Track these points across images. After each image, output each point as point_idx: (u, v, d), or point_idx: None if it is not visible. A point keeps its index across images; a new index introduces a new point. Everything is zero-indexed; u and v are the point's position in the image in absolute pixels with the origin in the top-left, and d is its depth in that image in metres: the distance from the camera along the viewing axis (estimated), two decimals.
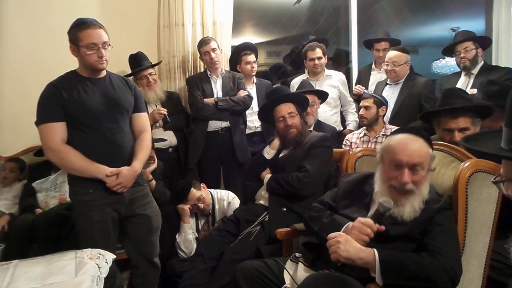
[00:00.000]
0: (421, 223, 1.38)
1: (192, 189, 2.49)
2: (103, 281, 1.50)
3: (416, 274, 1.26)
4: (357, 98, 3.33)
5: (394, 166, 1.41)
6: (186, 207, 2.49)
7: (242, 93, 2.98)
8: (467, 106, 1.93)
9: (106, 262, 1.59)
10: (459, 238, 1.42)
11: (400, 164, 1.40)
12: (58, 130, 1.77)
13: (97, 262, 1.54)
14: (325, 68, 3.28)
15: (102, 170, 1.79)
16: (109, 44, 1.83)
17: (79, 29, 1.77)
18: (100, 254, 1.61)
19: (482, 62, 2.96)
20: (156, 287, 2.13)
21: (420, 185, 1.40)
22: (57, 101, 1.76)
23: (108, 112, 1.83)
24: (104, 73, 1.91)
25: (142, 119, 2.00)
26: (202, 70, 3.20)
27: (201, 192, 2.52)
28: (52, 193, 2.69)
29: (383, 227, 1.36)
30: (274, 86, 2.93)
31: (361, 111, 2.79)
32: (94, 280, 1.42)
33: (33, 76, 2.92)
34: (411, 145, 1.41)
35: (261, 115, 2.46)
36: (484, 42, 3.02)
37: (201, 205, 2.49)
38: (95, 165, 1.79)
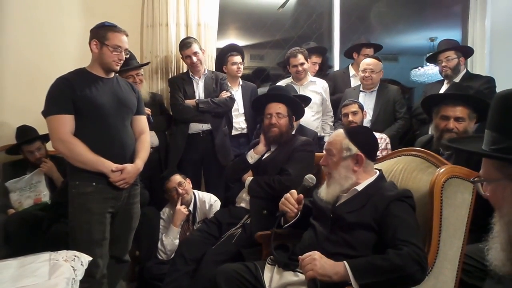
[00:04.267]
0: (374, 209, 1.46)
1: (177, 174, 2.58)
2: (78, 283, 1.46)
3: (386, 267, 1.30)
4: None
5: None
6: (185, 210, 2.49)
7: (224, 94, 2.97)
8: (467, 95, 2.05)
9: (81, 265, 1.55)
10: (417, 226, 1.45)
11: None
12: (68, 122, 1.85)
13: (72, 264, 1.49)
14: (309, 74, 3.31)
15: (108, 165, 1.87)
16: (130, 52, 2.03)
17: (110, 30, 1.93)
18: (75, 256, 1.57)
19: (465, 71, 3.03)
20: (121, 282, 2.19)
21: (333, 169, 1.60)
22: (69, 94, 1.84)
23: (115, 110, 1.94)
24: (112, 74, 2.03)
25: (142, 122, 2.13)
26: (185, 71, 3.19)
27: (184, 181, 2.57)
28: (27, 193, 2.61)
29: (301, 196, 1.69)
30: (276, 85, 2.97)
31: (350, 117, 2.82)
32: (69, 282, 1.38)
33: (9, 73, 2.86)
34: (331, 136, 1.70)
35: (254, 104, 2.50)
36: (466, 51, 3.11)
37: (181, 190, 2.52)
38: (101, 159, 1.87)
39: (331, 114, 3.37)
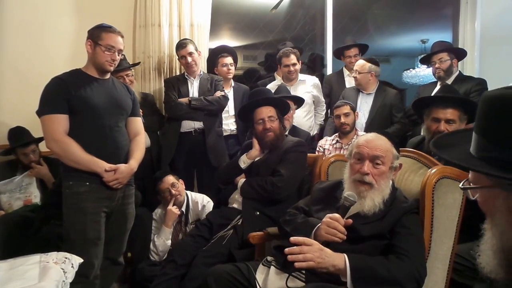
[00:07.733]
0: (390, 222, 1.43)
1: (170, 175, 2.56)
2: (68, 285, 1.45)
3: (385, 277, 1.29)
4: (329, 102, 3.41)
5: (357, 159, 1.50)
6: (176, 210, 2.48)
7: (218, 93, 2.96)
8: (457, 98, 2.07)
9: (72, 267, 1.53)
10: (424, 242, 1.47)
11: (362, 156, 1.49)
12: (62, 122, 1.85)
13: (62, 266, 1.48)
14: (299, 73, 3.31)
15: (101, 165, 1.87)
16: (123, 54, 1.99)
17: (104, 30, 1.92)
18: (66, 258, 1.55)
19: (458, 72, 3.05)
20: (113, 284, 2.18)
21: (380, 180, 1.46)
22: (64, 94, 1.84)
23: (110, 111, 1.94)
24: (108, 75, 2.02)
25: (137, 123, 2.13)
26: (178, 71, 3.18)
27: (177, 182, 2.55)
28: (17, 194, 2.58)
29: (350, 221, 1.40)
30: (258, 88, 2.94)
31: (342, 119, 2.83)
32: (58, 285, 1.37)
33: (2, 73, 2.85)
34: (374, 140, 1.51)
35: (241, 114, 2.46)
36: (459, 53, 3.13)
37: (174, 191, 2.50)
38: (95, 159, 1.87)
39: (324, 104, 3.37)
